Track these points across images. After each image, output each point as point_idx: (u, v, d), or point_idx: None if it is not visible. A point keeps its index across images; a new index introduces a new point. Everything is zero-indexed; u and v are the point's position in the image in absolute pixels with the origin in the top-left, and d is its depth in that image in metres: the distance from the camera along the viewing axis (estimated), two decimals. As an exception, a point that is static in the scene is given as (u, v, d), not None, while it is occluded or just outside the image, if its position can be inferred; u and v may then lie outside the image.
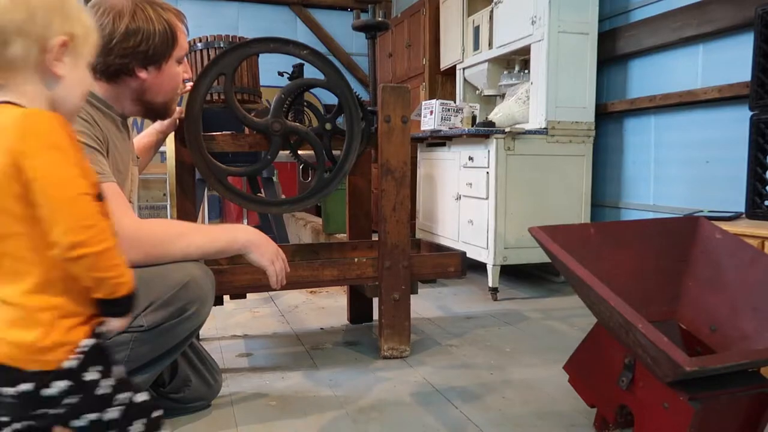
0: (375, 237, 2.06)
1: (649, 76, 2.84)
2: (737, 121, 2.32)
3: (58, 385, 0.77)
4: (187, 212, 1.90)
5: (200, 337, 2.12)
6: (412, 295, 1.97)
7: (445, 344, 2.13)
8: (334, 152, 1.93)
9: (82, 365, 0.80)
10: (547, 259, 1.56)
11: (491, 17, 3.29)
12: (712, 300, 1.37)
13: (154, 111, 1.49)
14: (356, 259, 1.91)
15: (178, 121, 1.79)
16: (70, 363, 0.79)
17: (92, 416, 0.81)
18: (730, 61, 2.39)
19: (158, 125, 1.81)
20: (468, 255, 2.21)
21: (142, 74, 1.39)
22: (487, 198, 2.78)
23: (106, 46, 1.32)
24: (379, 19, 2.02)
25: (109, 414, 0.82)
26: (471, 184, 2.91)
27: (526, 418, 1.52)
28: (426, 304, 2.73)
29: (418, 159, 3.57)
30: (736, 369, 1.12)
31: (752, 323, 1.27)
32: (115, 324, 0.85)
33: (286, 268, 1.49)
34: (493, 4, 3.24)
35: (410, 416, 1.54)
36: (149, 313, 1.28)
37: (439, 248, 2.23)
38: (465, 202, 2.99)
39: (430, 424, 1.49)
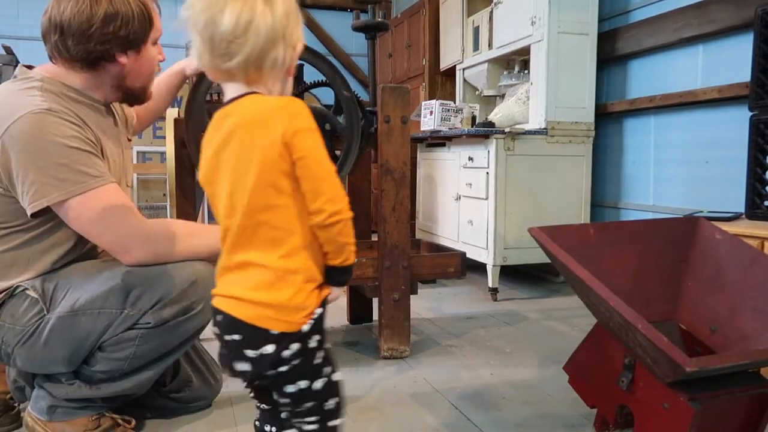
0: (375, 237, 2.06)
1: (649, 77, 2.84)
2: (737, 121, 2.32)
3: (293, 347, 0.85)
4: (186, 212, 1.90)
5: (200, 337, 2.12)
6: (411, 296, 1.97)
7: (445, 344, 2.13)
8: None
9: (310, 331, 0.87)
10: (547, 260, 1.56)
11: (491, 18, 3.29)
12: (712, 300, 1.37)
13: (133, 95, 1.46)
14: (356, 259, 1.91)
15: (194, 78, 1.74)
16: (306, 326, 0.86)
17: (304, 383, 0.88)
18: (730, 61, 2.39)
19: (182, 63, 1.75)
20: (468, 255, 2.21)
21: (123, 59, 1.35)
22: (486, 198, 2.78)
23: (86, 32, 1.28)
24: (379, 19, 2.02)
25: (316, 384, 0.89)
26: (471, 184, 2.91)
27: (526, 418, 1.52)
28: (426, 304, 2.73)
29: (418, 159, 3.57)
30: (736, 369, 1.12)
31: (752, 323, 1.27)
32: (335, 293, 0.94)
33: None
34: (492, 4, 3.24)
35: (410, 416, 1.54)
36: (156, 310, 1.28)
37: (439, 248, 2.23)
38: (465, 203, 2.99)
39: (430, 424, 1.49)
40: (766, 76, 1.89)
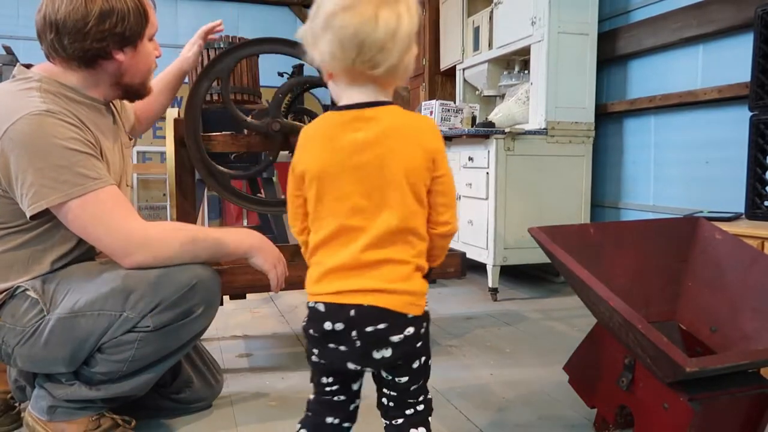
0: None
1: (649, 77, 2.84)
2: (737, 121, 2.32)
3: (424, 325, 0.95)
4: (186, 212, 1.89)
5: (201, 338, 2.12)
6: (412, 296, 1.97)
7: (444, 344, 2.13)
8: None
9: (428, 312, 0.97)
10: (547, 260, 1.56)
11: (491, 18, 3.29)
12: (712, 300, 1.37)
13: (134, 91, 1.45)
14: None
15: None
16: (427, 307, 0.96)
17: (423, 359, 0.97)
18: (730, 61, 2.39)
19: (179, 62, 1.77)
20: (468, 255, 2.21)
21: (120, 56, 1.34)
22: (486, 198, 2.78)
23: (81, 30, 1.26)
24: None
25: (429, 360, 0.99)
26: (471, 184, 2.91)
27: (526, 418, 1.52)
28: (426, 304, 2.72)
29: (418, 159, 3.56)
30: (736, 369, 1.12)
31: (752, 323, 1.27)
32: None
33: (285, 273, 1.49)
34: (493, 4, 3.24)
35: (410, 416, 1.53)
36: (156, 313, 1.27)
37: (439, 248, 2.23)
38: (465, 203, 2.99)
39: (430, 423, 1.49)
40: (766, 76, 1.89)
